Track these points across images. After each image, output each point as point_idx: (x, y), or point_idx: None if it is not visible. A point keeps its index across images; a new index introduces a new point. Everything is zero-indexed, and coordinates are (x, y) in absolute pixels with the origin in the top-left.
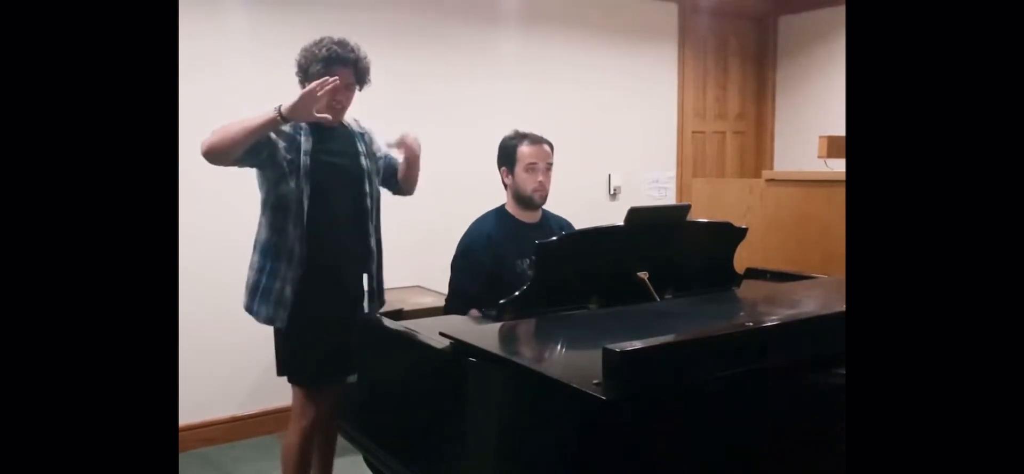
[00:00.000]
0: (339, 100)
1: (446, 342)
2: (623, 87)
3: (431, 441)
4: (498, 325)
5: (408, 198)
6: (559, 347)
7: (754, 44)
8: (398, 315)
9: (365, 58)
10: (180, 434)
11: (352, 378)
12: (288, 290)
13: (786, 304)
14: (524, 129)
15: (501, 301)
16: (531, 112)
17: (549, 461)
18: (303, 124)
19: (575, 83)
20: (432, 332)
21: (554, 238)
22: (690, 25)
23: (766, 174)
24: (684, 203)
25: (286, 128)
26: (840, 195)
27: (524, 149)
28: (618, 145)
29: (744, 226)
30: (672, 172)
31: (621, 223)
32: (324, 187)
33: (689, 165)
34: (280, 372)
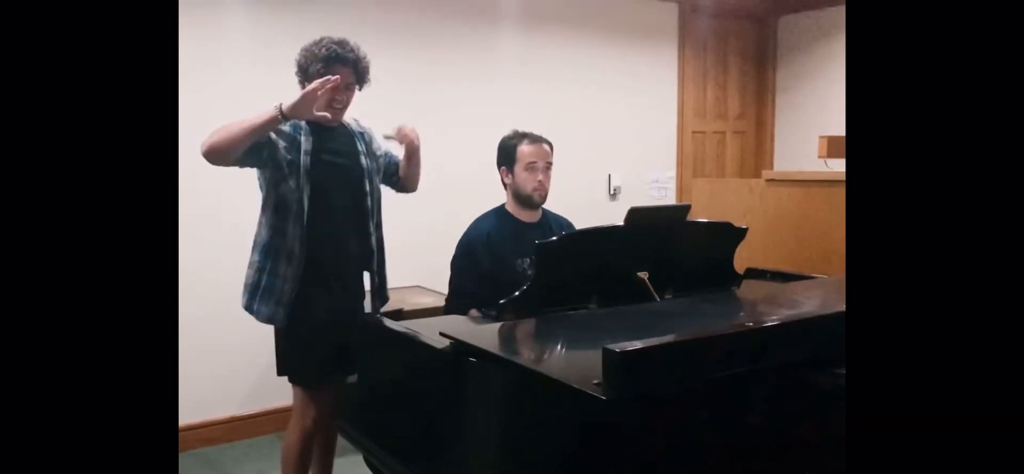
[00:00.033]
0: (339, 100)
1: (446, 342)
2: (623, 87)
3: (431, 441)
4: (498, 325)
5: (408, 198)
6: (559, 347)
7: (754, 44)
8: (398, 315)
9: (365, 58)
10: (180, 434)
11: (352, 378)
12: (288, 289)
13: (786, 304)
14: (524, 129)
15: (501, 301)
16: (531, 112)
17: (549, 461)
18: (303, 124)
19: (575, 83)
20: (432, 332)
21: (554, 238)
22: (690, 25)
23: (766, 174)
24: (684, 203)
25: (286, 128)
26: (840, 195)
27: (524, 148)
28: (618, 145)
29: (744, 226)
30: (672, 172)
31: (621, 223)
32: (324, 187)
33: (689, 165)
34: (280, 372)
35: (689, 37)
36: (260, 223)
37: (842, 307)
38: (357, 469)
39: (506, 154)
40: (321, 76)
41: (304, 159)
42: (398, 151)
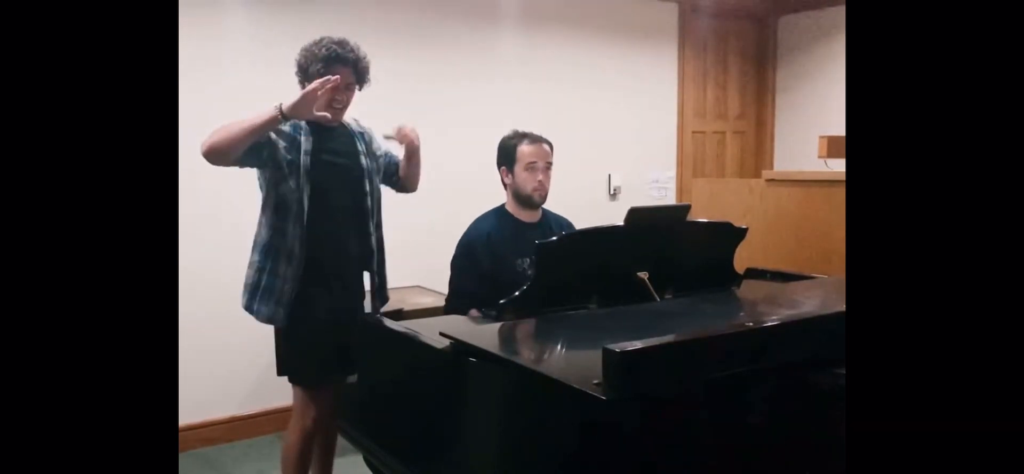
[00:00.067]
0: (339, 100)
1: (446, 342)
2: (623, 87)
3: (431, 441)
4: (498, 325)
5: (408, 198)
6: (559, 347)
7: (754, 44)
8: (398, 315)
9: (365, 58)
10: (180, 434)
11: (352, 378)
12: (288, 289)
13: (786, 304)
14: (524, 129)
15: (501, 301)
16: (531, 112)
17: (549, 461)
18: (303, 124)
19: (575, 83)
20: (432, 332)
21: (554, 238)
22: (690, 25)
23: (766, 174)
24: (684, 203)
25: (286, 128)
26: (840, 195)
27: (524, 148)
28: (618, 145)
29: (744, 226)
30: (672, 172)
31: (621, 223)
32: (324, 187)
33: (689, 165)
34: (280, 372)
35: (689, 37)
36: (260, 223)
37: (842, 307)
38: (357, 469)
39: (506, 154)
40: (321, 76)
41: (304, 159)
42: (398, 151)
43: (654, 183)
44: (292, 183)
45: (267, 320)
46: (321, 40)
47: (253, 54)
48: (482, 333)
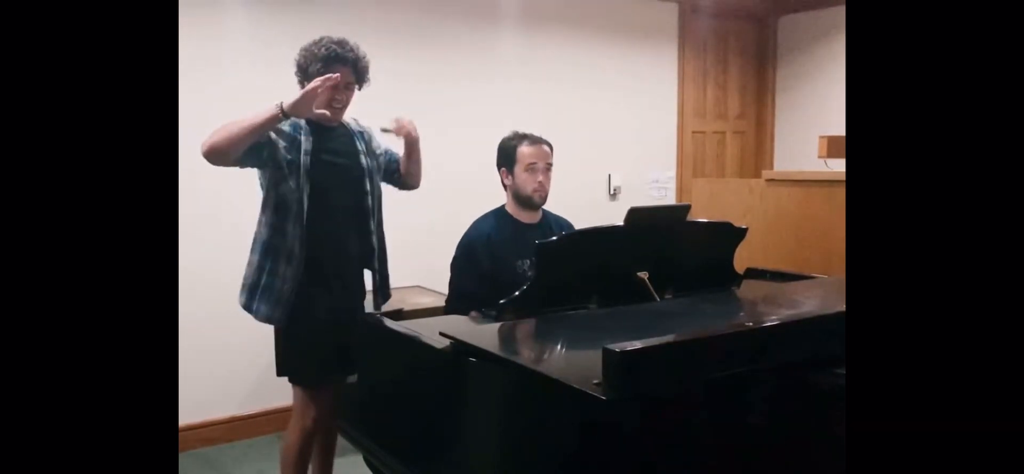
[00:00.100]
0: (339, 99)
1: (446, 342)
2: (623, 87)
3: (431, 441)
4: (498, 325)
5: (408, 198)
6: (559, 347)
7: (754, 44)
8: (398, 315)
9: (364, 57)
10: (180, 434)
11: (352, 378)
12: (288, 289)
13: (786, 304)
14: (524, 129)
15: (501, 301)
16: (531, 112)
17: (549, 461)
18: (303, 124)
19: (575, 83)
20: (432, 332)
21: (554, 238)
22: (690, 25)
23: (766, 174)
24: (684, 203)
25: (286, 128)
26: (840, 195)
27: (524, 149)
28: (618, 145)
29: (744, 226)
30: (672, 172)
31: (621, 223)
32: (324, 186)
33: (689, 165)
34: (280, 372)
35: (689, 37)
36: (260, 223)
37: (842, 307)
38: (357, 469)
39: (506, 155)
40: (321, 76)
41: (304, 159)
42: (398, 147)
43: (654, 183)
44: (292, 183)
45: (266, 319)
46: (320, 40)
47: (253, 54)
48: (482, 333)
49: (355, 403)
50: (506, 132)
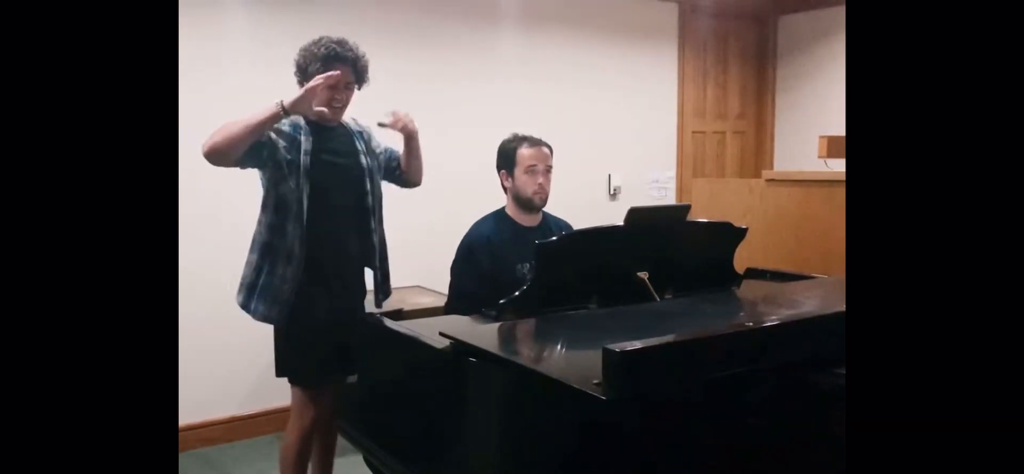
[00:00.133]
0: (338, 99)
1: (446, 342)
2: (623, 87)
3: (431, 441)
4: (498, 325)
5: (408, 198)
6: (559, 347)
7: (754, 44)
8: (398, 315)
9: (364, 57)
10: (180, 434)
11: (352, 378)
12: (287, 289)
13: (786, 304)
14: (524, 131)
15: (501, 301)
16: (531, 112)
17: (549, 461)
18: (303, 124)
19: (575, 83)
20: (432, 332)
21: (554, 238)
22: (690, 25)
23: (766, 174)
24: (684, 203)
25: (286, 128)
26: (840, 195)
27: (523, 151)
28: (618, 145)
29: (744, 226)
30: (672, 172)
31: (621, 223)
32: (324, 186)
33: (689, 165)
34: (279, 373)
35: (689, 37)
36: (259, 222)
37: (842, 307)
38: (357, 469)
39: (506, 157)
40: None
41: (304, 159)
42: (397, 143)
43: (654, 183)
44: (292, 183)
45: (264, 319)
46: (320, 40)
47: (253, 54)
48: (482, 333)
49: (355, 403)
50: (506, 132)
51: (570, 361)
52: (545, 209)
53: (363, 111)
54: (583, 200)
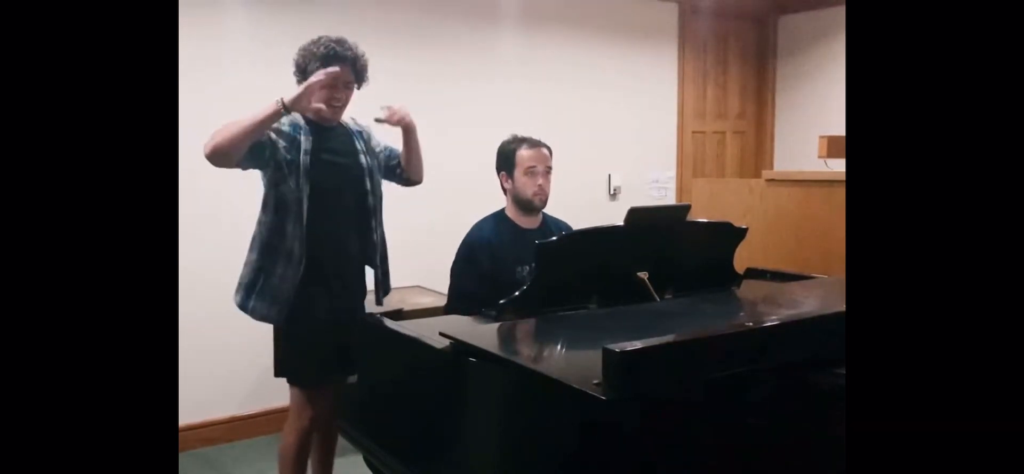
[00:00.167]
0: (338, 98)
1: (446, 342)
2: (623, 87)
3: (431, 441)
4: (498, 325)
5: (408, 198)
6: (559, 347)
7: (754, 44)
8: (398, 315)
9: (363, 56)
10: (180, 434)
11: (352, 378)
12: (286, 289)
13: (786, 304)
14: (523, 131)
15: (501, 301)
16: (531, 112)
17: (549, 461)
18: (303, 124)
19: (575, 83)
20: (432, 332)
21: (554, 238)
22: (690, 25)
23: (766, 174)
24: (684, 203)
25: (285, 128)
26: (840, 195)
27: (523, 153)
28: (618, 145)
29: (744, 226)
30: (672, 172)
31: (621, 223)
32: (324, 186)
33: (689, 165)
34: (278, 373)
35: (689, 37)
36: (259, 222)
37: (842, 307)
38: (357, 469)
39: (505, 159)
40: None
41: (304, 159)
42: (397, 143)
43: (654, 183)
44: (292, 183)
45: (263, 318)
46: (319, 39)
47: (253, 54)
48: (482, 333)
49: (355, 403)
50: (506, 133)
51: (570, 361)
52: (545, 210)
53: (363, 111)
54: (583, 200)
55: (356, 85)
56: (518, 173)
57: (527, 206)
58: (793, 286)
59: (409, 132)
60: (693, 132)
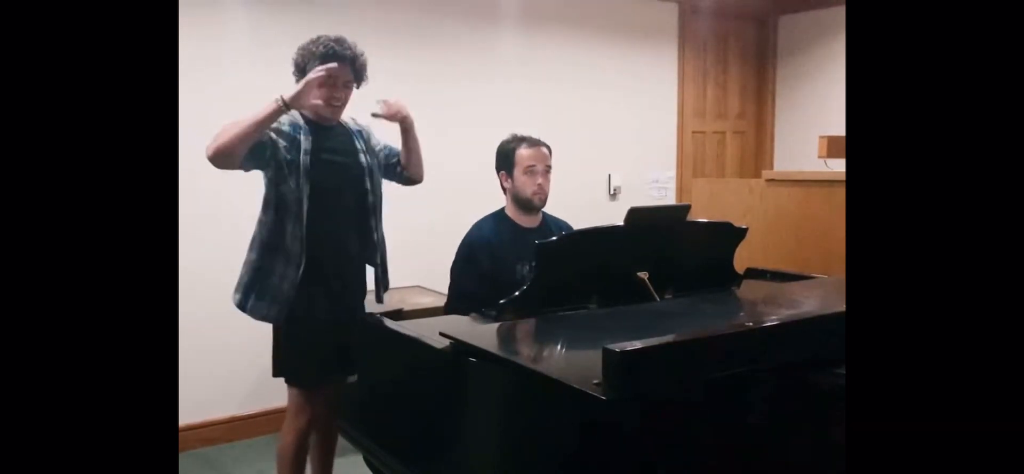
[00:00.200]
0: (337, 98)
1: (446, 342)
2: (623, 87)
3: (431, 441)
4: (498, 325)
5: (408, 197)
6: (559, 347)
7: (754, 44)
8: (398, 315)
9: (362, 55)
10: (180, 434)
11: (352, 378)
12: (286, 288)
13: (786, 304)
14: (523, 131)
15: (501, 301)
16: (531, 112)
17: (549, 461)
18: (303, 124)
19: (575, 83)
20: (432, 332)
21: (554, 238)
22: (690, 25)
23: (766, 174)
24: (684, 203)
25: (285, 128)
26: (840, 195)
27: (522, 152)
28: (618, 145)
29: (744, 226)
30: (672, 172)
31: (621, 223)
32: (324, 186)
33: (689, 165)
34: (277, 373)
35: (689, 37)
36: (259, 222)
37: (842, 307)
38: (357, 469)
39: (505, 158)
40: None
41: (304, 158)
42: (397, 141)
43: (654, 183)
44: (292, 183)
45: (263, 318)
46: (318, 38)
47: (253, 54)
48: (482, 333)
49: (355, 403)
50: (506, 133)
51: (570, 361)
52: (545, 209)
53: (362, 111)
54: (583, 200)
55: (355, 84)
56: (517, 172)
57: (527, 205)
58: (793, 286)
59: (407, 128)
60: (693, 132)
